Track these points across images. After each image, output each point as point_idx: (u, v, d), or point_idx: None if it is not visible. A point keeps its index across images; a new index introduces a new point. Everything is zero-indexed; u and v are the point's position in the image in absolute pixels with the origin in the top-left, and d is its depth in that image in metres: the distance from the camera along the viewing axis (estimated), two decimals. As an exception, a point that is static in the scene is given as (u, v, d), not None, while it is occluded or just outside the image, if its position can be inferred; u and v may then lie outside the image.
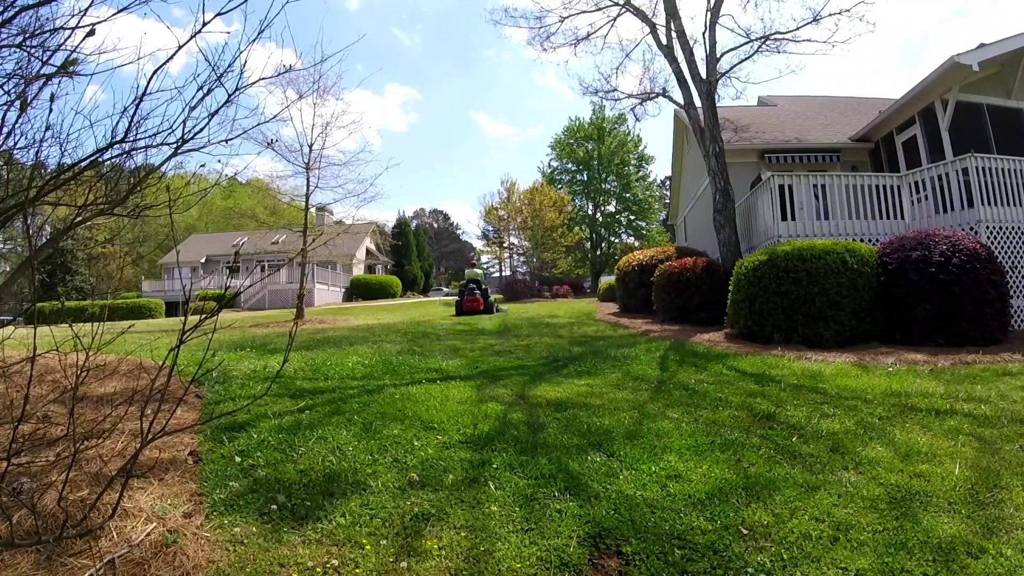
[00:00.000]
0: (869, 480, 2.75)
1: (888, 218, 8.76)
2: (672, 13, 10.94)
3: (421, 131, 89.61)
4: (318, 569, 2.03)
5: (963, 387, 4.42)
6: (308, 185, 13.73)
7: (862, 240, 8.46)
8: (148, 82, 2.09)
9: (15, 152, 2.32)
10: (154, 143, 2.26)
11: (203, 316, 1.75)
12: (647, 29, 11.77)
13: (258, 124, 2.97)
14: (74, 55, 2.06)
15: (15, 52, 2.40)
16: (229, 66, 2.22)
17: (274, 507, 2.47)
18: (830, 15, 10.68)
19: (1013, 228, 8.08)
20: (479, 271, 16.76)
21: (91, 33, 2.01)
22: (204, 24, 2.09)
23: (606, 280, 25.56)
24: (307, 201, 14.02)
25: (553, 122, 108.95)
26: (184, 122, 2.21)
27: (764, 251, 7.27)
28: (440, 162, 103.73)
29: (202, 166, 2.39)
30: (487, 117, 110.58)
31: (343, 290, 31.66)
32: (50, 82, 2.09)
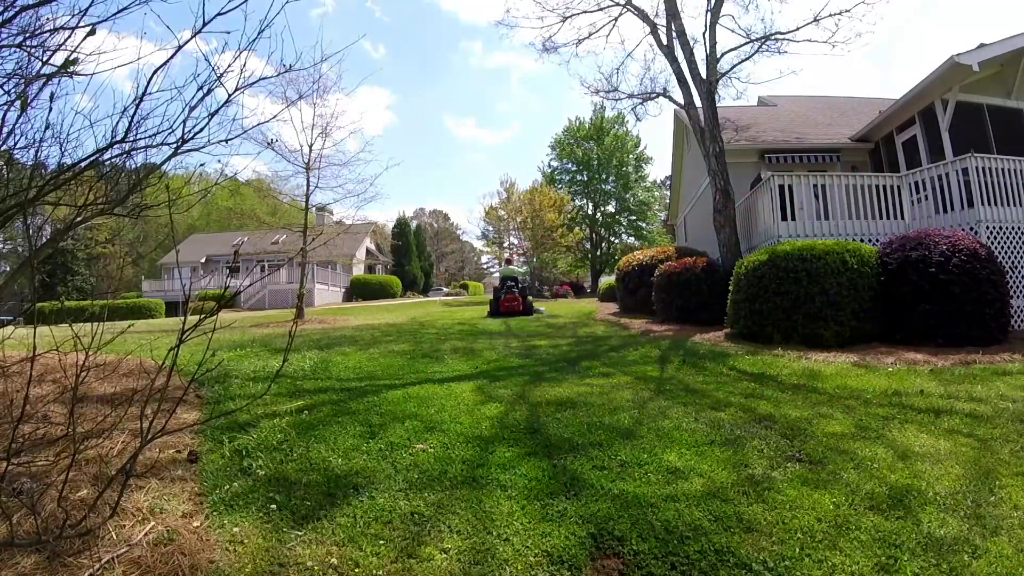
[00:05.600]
0: (869, 480, 2.75)
1: (888, 218, 8.76)
2: (673, 13, 10.94)
3: (397, 135, 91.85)
4: (317, 569, 2.03)
5: (963, 387, 4.42)
6: (308, 185, 13.74)
7: (862, 240, 8.46)
8: (148, 82, 2.09)
9: (15, 152, 2.32)
10: (154, 143, 2.26)
11: (203, 316, 1.75)
12: (648, 29, 11.77)
13: (258, 124, 2.98)
14: (75, 55, 2.06)
15: (15, 52, 2.40)
16: (229, 66, 2.23)
17: (274, 507, 2.47)
18: (830, 15, 10.70)
19: (1013, 228, 8.08)
20: (517, 269, 15.23)
21: (92, 32, 2.01)
22: (205, 23, 2.09)
23: (606, 280, 25.59)
24: (307, 201, 14.02)
25: (528, 124, 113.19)
26: (184, 122, 2.21)
27: (764, 251, 7.27)
28: (420, 165, 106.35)
29: (201, 165, 2.39)
30: (461, 121, 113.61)
31: (343, 290, 31.66)
32: (50, 82, 2.09)
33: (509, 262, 16.93)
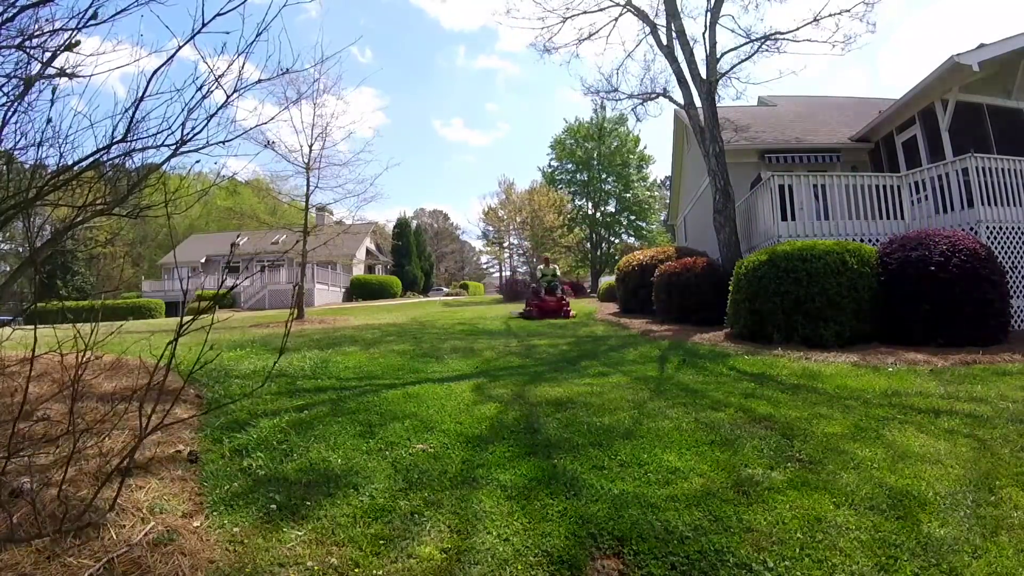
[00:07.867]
0: (869, 480, 2.75)
1: (888, 218, 8.76)
2: (673, 13, 10.94)
3: (390, 136, 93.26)
4: (317, 568, 2.03)
5: (963, 387, 4.42)
6: (308, 185, 13.74)
7: (862, 240, 8.46)
8: (148, 82, 2.10)
9: (15, 152, 2.32)
10: (154, 144, 2.26)
11: (199, 310, 1.76)
12: (648, 29, 11.78)
13: (257, 125, 2.98)
14: (75, 41, 2.06)
15: (14, 53, 2.40)
16: (228, 66, 2.23)
17: (274, 506, 2.47)
18: (830, 15, 10.71)
19: (1013, 228, 8.07)
20: (555, 268, 14.69)
21: (96, 11, 2.00)
22: (204, 24, 2.09)
23: (606, 280, 25.57)
24: (307, 201, 14.02)
25: (516, 126, 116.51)
26: (183, 124, 2.21)
27: (764, 251, 7.27)
28: (413, 165, 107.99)
29: (197, 162, 2.39)
30: (450, 124, 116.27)
31: (343, 290, 31.66)
32: (50, 82, 2.10)
33: (546, 262, 15.97)
